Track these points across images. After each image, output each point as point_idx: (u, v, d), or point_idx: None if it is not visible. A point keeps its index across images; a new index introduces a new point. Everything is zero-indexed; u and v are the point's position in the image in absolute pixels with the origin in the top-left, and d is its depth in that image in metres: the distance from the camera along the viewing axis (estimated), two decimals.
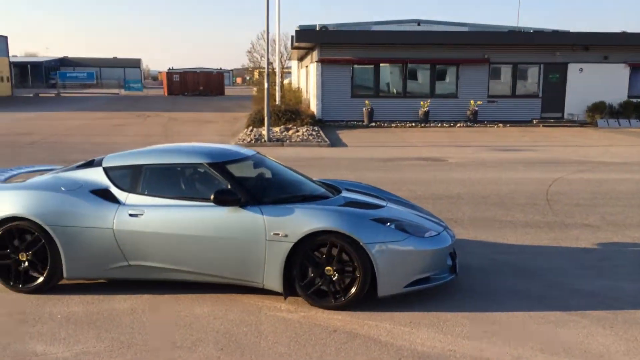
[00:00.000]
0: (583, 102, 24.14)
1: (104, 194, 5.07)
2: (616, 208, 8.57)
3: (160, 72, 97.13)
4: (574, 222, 7.75)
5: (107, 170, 5.25)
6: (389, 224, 4.73)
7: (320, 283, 4.66)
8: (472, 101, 23.72)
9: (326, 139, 17.50)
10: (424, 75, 24.45)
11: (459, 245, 6.18)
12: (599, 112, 23.78)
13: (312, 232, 4.55)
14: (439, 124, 23.33)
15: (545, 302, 4.91)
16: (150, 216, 4.88)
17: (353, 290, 4.59)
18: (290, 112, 22.02)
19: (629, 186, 10.36)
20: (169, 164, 5.21)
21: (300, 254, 4.63)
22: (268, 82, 17.26)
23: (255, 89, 37.94)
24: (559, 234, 7.15)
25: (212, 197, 4.75)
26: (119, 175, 5.20)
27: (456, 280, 5.24)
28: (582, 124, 23.80)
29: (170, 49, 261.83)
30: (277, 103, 24.76)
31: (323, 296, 4.68)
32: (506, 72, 24.46)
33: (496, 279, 5.49)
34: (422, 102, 23.64)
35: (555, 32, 25.89)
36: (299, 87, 35.83)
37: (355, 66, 23.97)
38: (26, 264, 5.02)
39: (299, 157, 14.17)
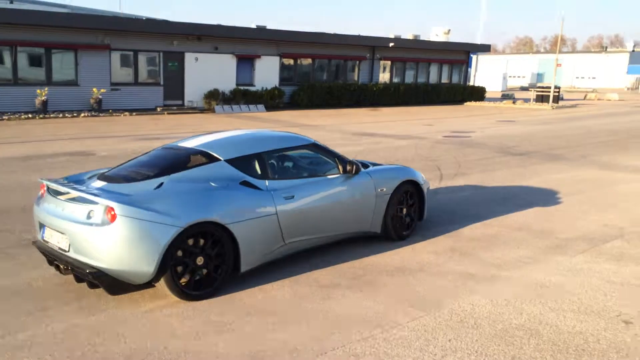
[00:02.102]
0: (200, 90, 25.75)
1: (249, 184, 5.28)
2: None
3: None
4: None
5: (231, 162, 5.36)
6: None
7: (403, 216, 6.63)
8: (94, 89, 22.47)
9: None
10: (38, 60, 21.87)
11: None
12: (215, 99, 25.80)
13: (399, 184, 6.44)
14: (61, 114, 21.34)
15: None
16: (300, 195, 5.50)
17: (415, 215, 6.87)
18: None
19: None
20: (284, 148, 5.85)
21: (394, 202, 6.44)
22: None
23: None
24: None
25: (346, 168, 5.98)
26: (245, 165, 5.40)
27: None
28: (202, 110, 25.44)
29: None
30: None
31: (402, 226, 6.64)
32: (128, 59, 24.03)
33: None
34: (38, 91, 21.16)
35: (170, 22, 26.64)
36: None
37: None
38: (205, 268, 4.83)
39: None
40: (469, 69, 37.89)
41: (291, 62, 29.32)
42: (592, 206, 8.46)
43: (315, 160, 6.14)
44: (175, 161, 5.34)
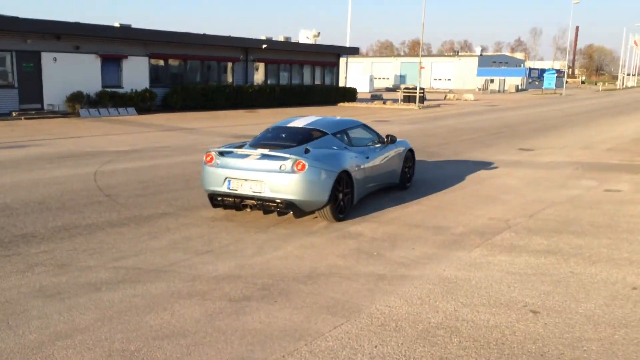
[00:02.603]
0: (62, 92, 23.77)
1: (348, 150, 7.89)
2: (174, 193, 9.09)
3: None
4: (149, 213, 7.83)
5: (335, 136, 7.99)
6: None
7: (406, 171, 9.66)
8: None
9: None
10: None
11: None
12: (79, 102, 23.94)
13: (407, 150, 9.45)
14: None
15: None
16: (372, 157, 8.28)
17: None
18: None
19: (166, 171, 11.10)
20: (350, 127, 8.52)
21: (410, 158, 9.73)
22: None
23: None
24: (143, 226, 7.11)
25: (384, 140, 8.93)
26: (341, 137, 8.06)
27: None
28: (65, 114, 23.48)
29: None
30: None
31: (406, 179, 9.65)
32: None
33: None
34: None
35: (22, 19, 24.22)
36: None
37: None
38: (342, 200, 7.46)
39: None
40: (339, 71, 38.87)
41: (161, 63, 28.08)
42: (476, 201, 8.92)
43: (364, 134, 8.78)
44: (302, 135, 7.77)
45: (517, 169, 12.13)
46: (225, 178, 7.10)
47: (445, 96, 47.01)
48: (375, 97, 42.95)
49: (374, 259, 6.04)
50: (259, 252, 6.21)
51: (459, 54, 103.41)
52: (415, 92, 34.98)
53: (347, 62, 39.98)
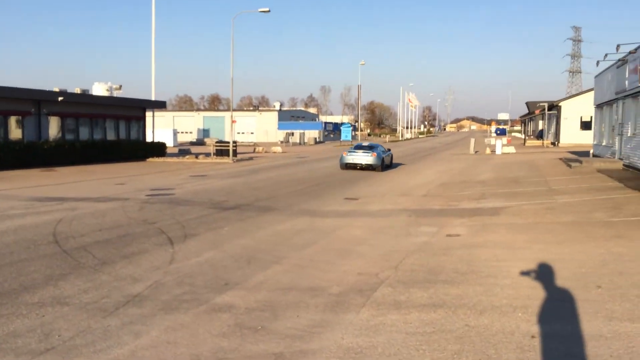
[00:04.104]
0: None
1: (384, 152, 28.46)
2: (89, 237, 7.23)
3: None
4: None
5: (380, 147, 28.39)
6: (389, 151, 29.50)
7: (388, 162, 29.64)
8: None
9: None
10: None
11: None
12: None
13: (388, 150, 29.35)
14: None
15: None
16: (386, 154, 28.24)
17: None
18: None
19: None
20: (375, 145, 29.22)
21: (390, 156, 29.74)
22: None
23: None
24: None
25: (386, 148, 30.04)
26: (378, 147, 27.78)
27: None
28: None
29: None
30: None
31: (386, 166, 28.58)
32: None
33: None
34: None
35: None
36: None
37: None
38: (387, 164, 29.24)
39: None
40: (146, 125, 36.97)
41: None
42: (334, 255, 8.62)
43: (384, 148, 28.13)
44: (372, 146, 27.18)
45: (355, 218, 12.26)
46: (349, 157, 25.83)
47: (254, 149, 47.56)
48: (183, 151, 41.65)
49: (260, 334, 5.26)
50: (118, 344, 5.02)
51: (259, 108, 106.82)
52: (228, 146, 34.65)
53: (153, 116, 38.25)
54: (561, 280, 6.73)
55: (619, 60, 22.65)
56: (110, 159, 31.11)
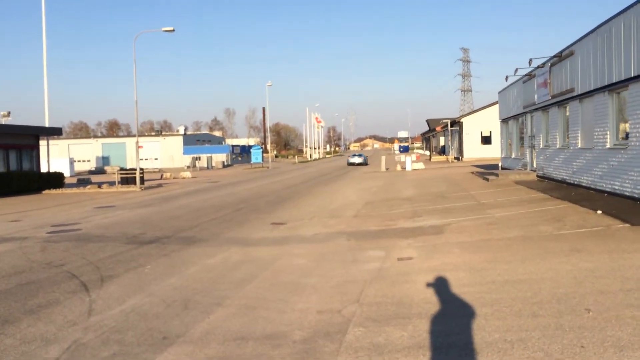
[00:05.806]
0: None
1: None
2: None
3: None
4: None
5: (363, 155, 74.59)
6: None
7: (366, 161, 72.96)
8: None
9: None
10: None
11: None
12: None
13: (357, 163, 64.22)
14: None
15: None
16: (365, 160, 68.08)
17: None
18: None
19: None
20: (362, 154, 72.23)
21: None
22: None
23: None
24: None
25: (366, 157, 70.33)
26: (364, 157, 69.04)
27: None
28: None
29: None
30: None
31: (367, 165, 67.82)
32: None
33: None
34: None
35: None
36: None
37: None
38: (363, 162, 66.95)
39: None
40: (39, 154, 33.89)
41: None
42: (282, 291, 7.59)
43: (364, 156, 66.46)
44: (361, 155, 66.53)
45: (292, 245, 11.28)
46: (352, 161, 61.71)
47: (162, 175, 45.23)
48: (83, 181, 38.67)
49: None
50: None
51: (163, 133, 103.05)
52: (134, 173, 32.44)
53: (48, 145, 35.15)
54: (545, 305, 6.13)
55: (526, 75, 23.49)
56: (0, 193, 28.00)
